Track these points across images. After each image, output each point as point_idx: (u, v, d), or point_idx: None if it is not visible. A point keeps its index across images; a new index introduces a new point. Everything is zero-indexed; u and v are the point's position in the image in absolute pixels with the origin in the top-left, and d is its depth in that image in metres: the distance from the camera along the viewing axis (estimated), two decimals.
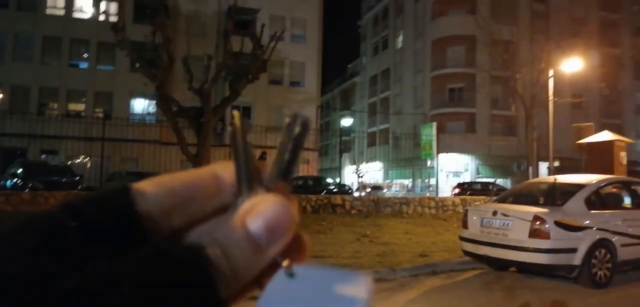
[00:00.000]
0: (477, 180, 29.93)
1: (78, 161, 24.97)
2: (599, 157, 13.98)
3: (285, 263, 0.32)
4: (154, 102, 18.05)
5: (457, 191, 26.54)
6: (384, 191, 31.41)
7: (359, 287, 0.31)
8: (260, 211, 0.32)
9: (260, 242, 0.32)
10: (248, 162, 0.34)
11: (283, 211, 0.32)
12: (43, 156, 27.76)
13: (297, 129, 0.35)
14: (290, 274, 0.32)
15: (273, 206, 0.32)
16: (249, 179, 0.33)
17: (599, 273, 7.32)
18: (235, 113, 0.35)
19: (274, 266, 0.33)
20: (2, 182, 18.55)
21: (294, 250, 0.34)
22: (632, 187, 8.53)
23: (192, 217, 0.34)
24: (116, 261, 0.28)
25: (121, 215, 0.31)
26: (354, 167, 31.55)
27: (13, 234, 0.29)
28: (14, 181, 17.02)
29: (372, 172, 41.30)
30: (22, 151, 27.01)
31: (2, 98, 30.39)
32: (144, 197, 0.33)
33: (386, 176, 43.91)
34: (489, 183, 27.41)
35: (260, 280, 0.33)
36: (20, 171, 17.28)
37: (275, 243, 0.32)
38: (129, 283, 0.27)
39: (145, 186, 0.33)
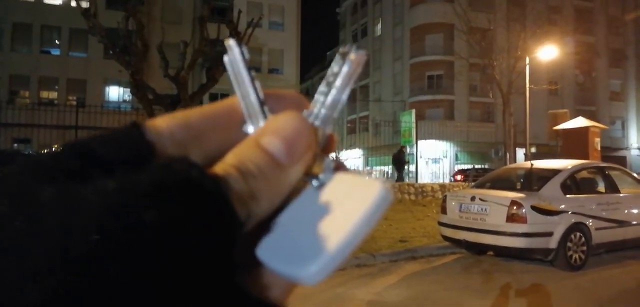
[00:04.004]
0: (475, 166, 30.45)
1: (51, 149, 24.37)
2: (574, 143, 14.19)
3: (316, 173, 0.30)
4: (129, 89, 17.68)
5: (460, 177, 26.74)
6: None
7: (378, 189, 0.28)
8: (274, 128, 0.29)
9: (279, 158, 0.28)
10: (253, 89, 0.30)
11: (299, 125, 0.29)
12: (15, 145, 27.04)
13: (348, 64, 0.31)
14: (321, 184, 0.30)
15: (288, 121, 0.29)
16: (257, 107, 0.30)
17: (574, 256, 7.43)
18: (229, 41, 0.31)
19: (302, 186, 0.30)
20: None
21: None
22: (606, 172, 8.67)
23: (213, 151, 0.30)
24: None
25: (130, 148, 0.28)
26: (334, 154, 31.52)
27: (10, 172, 0.25)
28: None
29: (352, 159, 41.39)
30: None
31: None
32: (156, 130, 0.29)
33: (366, 163, 44.07)
34: (484, 169, 27.80)
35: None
36: None
37: (296, 159, 0.28)
38: (118, 192, 0.23)
39: (157, 120, 0.30)
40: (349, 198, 0.28)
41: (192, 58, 14.48)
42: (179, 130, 0.30)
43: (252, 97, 0.30)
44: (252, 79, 0.30)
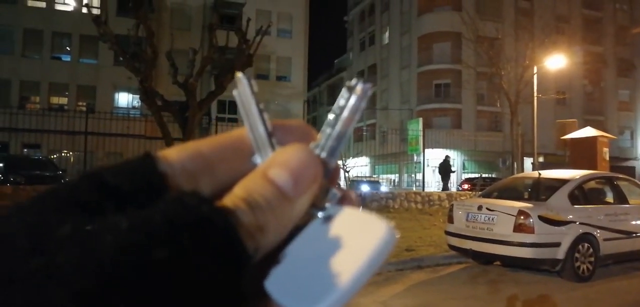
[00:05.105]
0: (482, 175, 30.34)
1: (61, 155, 24.65)
2: (583, 153, 14.13)
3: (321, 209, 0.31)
4: (138, 96, 17.86)
5: (467, 186, 26.61)
6: (381, 184, 31.37)
7: (384, 230, 0.28)
8: (281, 160, 0.29)
9: (286, 190, 0.28)
10: (262, 121, 0.31)
11: (306, 157, 0.29)
12: (25, 150, 27.29)
13: (356, 95, 0.31)
14: (327, 217, 0.30)
15: (295, 154, 0.29)
16: (265, 138, 0.31)
17: (582, 267, 7.39)
18: (239, 74, 0.32)
19: (309, 218, 0.31)
20: None
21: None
22: (615, 183, 8.63)
23: (222, 182, 0.31)
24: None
25: (142, 179, 0.29)
26: (341, 162, 31.63)
27: (29, 203, 0.26)
28: None
29: (359, 167, 41.34)
30: (4, 145, 26.51)
31: None
32: (167, 161, 0.30)
33: (373, 171, 44.04)
34: (492, 178, 27.65)
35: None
36: (1, 165, 16.94)
37: (302, 191, 0.29)
38: (130, 230, 0.24)
39: (169, 151, 0.31)
40: (355, 237, 0.28)
41: (201, 65, 14.58)
42: (189, 162, 0.30)
43: (261, 129, 0.31)
44: (261, 112, 0.31)
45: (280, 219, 0.28)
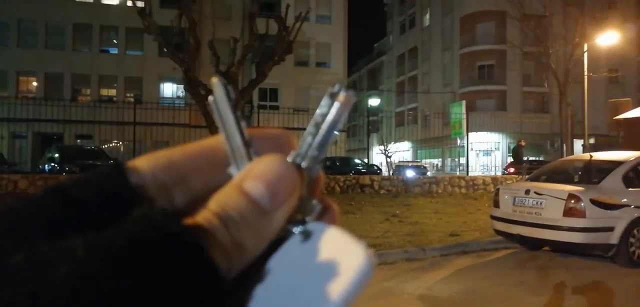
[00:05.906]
0: (529, 158, 29.46)
1: (111, 144, 25.72)
2: (638, 133, 13.50)
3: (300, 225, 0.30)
4: (182, 85, 18.30)
5: (512, 170, 25.93)
6: (426, 169, 30.78)
7: (362, 258, 0.28)
8: (257, 172, 0.28)
9: (263, 204, 0.27)
10: (239, 131, 0.30)
11: (282, 169, 0.29)
12: (78, 141, 28.54)
13: (338, 103, 0.30)
14: (306, 235, 0.30)
15: (271, 165, 0.29)
16: (242, 148, 0.30)
17: (637, 252, 7.10)
18: (214, 80, 0.30)
19: (286, 234, 0.30)
20: (40, 166, 19.29)
21: (324, 219, 0.31)
22: None
23: (197, 193, 0.30)
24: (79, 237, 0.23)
25: (111, 192, 0.27)
26: (382, 147, 31.41)
27: None
28: (51, 165, 17.55)
29: (401, 152, 40.97)
30: (58, 136, 27.85)
31: (36, 85, 31.42)
32: (138, 173, 0.29)
33: (415, 156, 43.56)
34: (539, 161, 26.73)
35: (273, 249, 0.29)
36: (56, 155, 17.79)
37: (279, 204, 0.28)
38: (88, 256, 0.22)
39: (139, 161, 0.29)
40: (331, 263, 0.28)
41: (242, 54, 14.79)
42: (161, 173, 0.29)
43: (237, 139, 0.30)
44: (238, 120, 0.30)
45: (257, 234, 0.27)
